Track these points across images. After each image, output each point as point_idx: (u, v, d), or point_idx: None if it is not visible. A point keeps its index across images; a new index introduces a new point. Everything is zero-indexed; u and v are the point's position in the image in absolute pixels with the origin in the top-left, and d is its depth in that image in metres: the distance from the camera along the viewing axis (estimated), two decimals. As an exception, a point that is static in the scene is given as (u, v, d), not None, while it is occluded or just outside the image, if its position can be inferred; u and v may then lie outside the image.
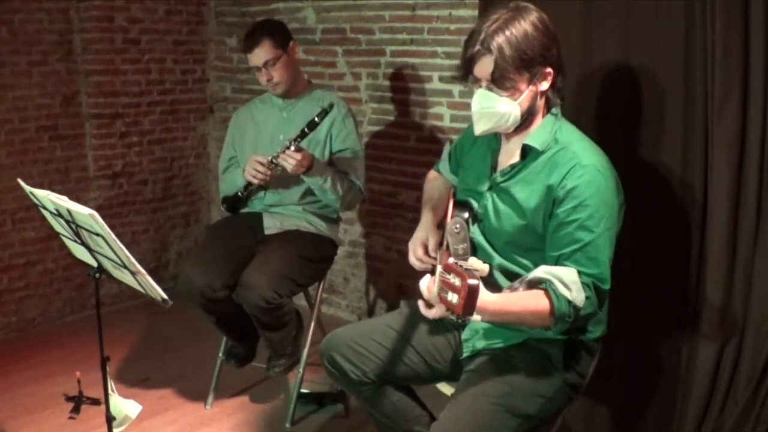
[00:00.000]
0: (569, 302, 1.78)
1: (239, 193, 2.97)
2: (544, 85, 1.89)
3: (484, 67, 1.85)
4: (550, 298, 1.78)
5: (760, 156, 2.20)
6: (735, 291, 2.30)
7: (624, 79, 2.42)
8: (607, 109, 2.48)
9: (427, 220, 2.21)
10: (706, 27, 2.21)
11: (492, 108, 1.88)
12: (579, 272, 1.81)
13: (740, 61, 2.17)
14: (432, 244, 2.11)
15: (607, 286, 1.85)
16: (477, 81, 1.89)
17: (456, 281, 1.59)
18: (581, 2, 2.46)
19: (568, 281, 1.78)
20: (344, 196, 2.90)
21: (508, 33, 1.82)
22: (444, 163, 2.33)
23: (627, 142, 2.43)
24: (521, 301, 1.80)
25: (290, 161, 2.74)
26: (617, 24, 2.40)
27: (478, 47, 1.84)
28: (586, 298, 1.80)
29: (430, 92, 3.51)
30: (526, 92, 1.87)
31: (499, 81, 1.84)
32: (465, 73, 1.90)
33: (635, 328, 2.45)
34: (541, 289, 1.80)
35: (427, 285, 1.75)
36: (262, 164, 2.82)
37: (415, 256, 2.11)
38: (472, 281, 1.54)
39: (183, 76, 4.34)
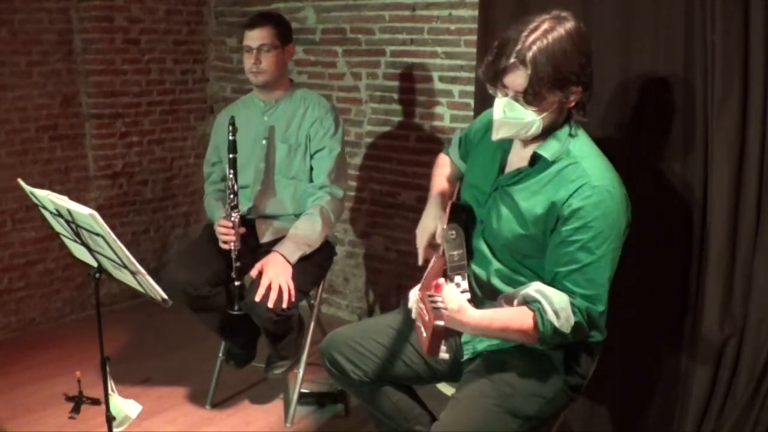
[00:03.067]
0: (555, 329, 1.77)
1: (233, 281, 2.74)
2: (572, 102, 1.84)
3: (517, 80, 1.76)
4: (536, 322, 1.77)
5: (760, 156, 2.20)
6: (735, 291, 2.30)
7: (623, 79, 2.42)
8: (606, 109, 2.47)
9: (435, 207, 2.14)
10: (706, 27, 2.21)
11: (517, 119, 1.82)
12: (573, 294, 1.80)
13: (740, 61, 2.17)
14: (440, 231, 2.04)
15: (601, 308, 1.83)
16: (503, 88, 1.81)
17: (426, 317, 1.55)
18: (581, 2, 2.46)
19: (559, 307, 1.77)
20: (324, 229, 2.82)
21: (546, 47, 1.72)
22: (454, 149, 2.29)
23: (627, 142, 2.43)
24: (506, 320, 1.78)
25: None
26: (617, 24, 2.40)
27: (513, 59, 1.74)
28: (576, 322, 1.79)
29: (430, 92, 3.51)
30: (554, 107, 1.82)
31: (529, 97, 1.77)
32: (494, 81, 1.81)
33: (635, 329, 2.45)
34: (531, 309, 1.79)
35: (414, 300, 1.77)
36: (224, 225, 2.75)
37: (420, 247, 2.07)
38: (437, 322, 1.48)
39: (183, 76, 4.34)
